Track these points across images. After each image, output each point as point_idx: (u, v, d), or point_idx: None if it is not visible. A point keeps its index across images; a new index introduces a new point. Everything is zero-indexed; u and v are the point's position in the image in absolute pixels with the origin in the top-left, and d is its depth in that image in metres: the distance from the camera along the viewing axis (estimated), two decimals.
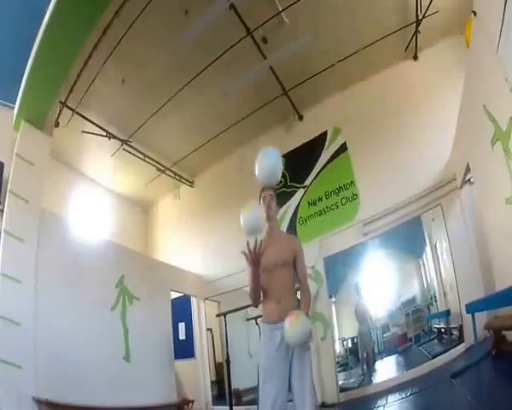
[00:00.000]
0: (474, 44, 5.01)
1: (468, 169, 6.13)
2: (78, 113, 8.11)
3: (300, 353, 3.05)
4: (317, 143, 9.16)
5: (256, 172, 3.36)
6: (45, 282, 5.96)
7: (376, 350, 8.03)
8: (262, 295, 3.28)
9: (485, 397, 4.12)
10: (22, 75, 6.04)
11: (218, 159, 10.77)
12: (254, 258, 2.98)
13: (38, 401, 5.22)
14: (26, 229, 5.94)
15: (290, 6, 6.91)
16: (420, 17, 7.29)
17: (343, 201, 8.52)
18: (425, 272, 8.26)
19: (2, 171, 6.28)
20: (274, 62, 7.97)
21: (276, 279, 3.23)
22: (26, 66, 5.93)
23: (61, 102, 7.48)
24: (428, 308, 7.73)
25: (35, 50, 5.71)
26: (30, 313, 5.61)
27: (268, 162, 3.34)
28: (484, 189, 5.56)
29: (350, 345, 8.29)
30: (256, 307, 3.31)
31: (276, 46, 7.57)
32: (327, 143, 9.04)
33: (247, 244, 2.97)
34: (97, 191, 10.56)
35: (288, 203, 9.17)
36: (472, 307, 5.46)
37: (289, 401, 2.99)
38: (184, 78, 7.96)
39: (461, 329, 6.63)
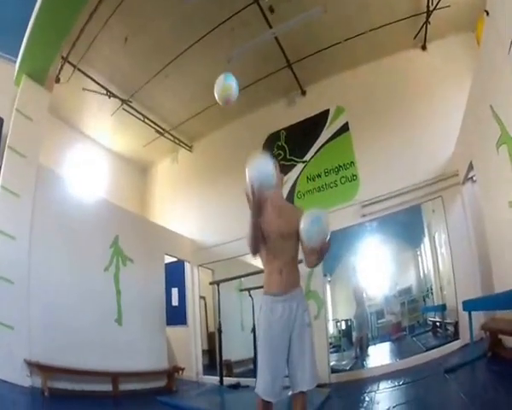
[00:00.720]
0: (484, 43, 4.88)
1: (470, 167, 6.07)
2: (79, 69, 7.90)
3: (301, 327, 2.96)
4: (319, 120, 9.01)
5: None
6: (40, 239, 5.91)
7: (370, 336, 8.18)
8: (264, 264, 3.16)
9: (479, 396, 4.08)
10: (25, 28, 5.90)
11: (218, 126, 10.52)
12: (257, 199, 2.72)
13: (30, 364, 5.21)
14: (23, 184, 5.89)
15: None
16: (431, 8, 7.13)
17: (342, 180, 8.43)
18: (422, 263, 8.34)
19: (2, 127, 6.21)
20: (280, 33, 7.71)
21: (279, 250, 3.08)
22: (29, 19, 5.78)
23: (62, 58, 7.27)
24: (424, 300, 7.82)
25: (38, 3, 5.56)
26: (24, 271, 5.58)
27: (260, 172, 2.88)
28: (487, 189, 5.49)
29: (344, 327, 8.40)
30: (254, 254, 3.09)
31: (282, 17, 7.32)
32: (329, 121, 8.89)
33: (250, 185, 2.67)
34: (95, 150, 10.38)
35: (286, 176, 8.97)
36: (469, 305, 5.46)
37: (287, 377, 2.95)
38: (188, 39, 7.72)
39: (456, 325, 6.66)
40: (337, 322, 8.40)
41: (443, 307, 7.30)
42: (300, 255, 3.14)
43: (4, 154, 5.82)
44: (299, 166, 9.09)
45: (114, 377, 6.37)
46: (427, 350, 6.95)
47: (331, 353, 7.73)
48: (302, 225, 2.79)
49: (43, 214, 6.07)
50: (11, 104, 6.19)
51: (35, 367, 5.25)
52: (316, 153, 8.94)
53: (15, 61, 6.36)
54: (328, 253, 2.86)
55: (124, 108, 9.23)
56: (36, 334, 5.46)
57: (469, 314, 5.44)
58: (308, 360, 2.91)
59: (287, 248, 3.08)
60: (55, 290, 6.00)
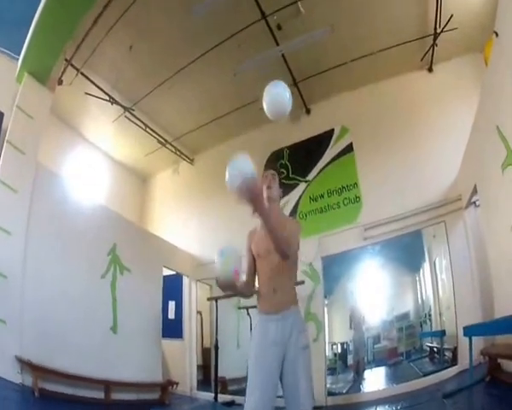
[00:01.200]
0: (492, 64, 4.97)
1: (474, 191, 6.06)
2: (82, 73, 7.91)
3: (296, 350, 2.79)
4: (323, 140, 9.05)
5: (264, 105, 3.05)
6: (36, 237, 5.87)
7: (366, 360, 8.09)
8: (258, 283, 3.06)
9: None
10: (30, 25, 5.94)
11: (221, 140, 10.53)
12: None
13: (21, 361, 5.14)
14: (21, 180, 5.87)
15: None
16: (438, 31, 7.24)
17: (345, 201, 8.44)
18: (421, 289, 8.29)
19: (2, 121, 6.23)
20: (286, 50, 7.79)
21: (273, 266, 2.94)
22: (33, 15, 5.83)
23: (66, 60, 7.28)
24: (421, 326, 7.76)
25: (43, 2, 5.63)
26: (18, 267, 5.53)
27: (277, 93, 3.09)
28: (490, 213, 5.47)
29: (339, 350, 8.32)
30: (248, 297, 3.13)
31: (289, 35, 7.44)
32: (333, 140, 8.95)
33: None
34: (96, 155, 10.34)
35: (288, 196, 8.98)
36: (470, 331, 5.41)
37: (280, 397, 2.79)
38: (194, 52, 7.77)
39: (455, 351, 6.59)
40: (333, 345, 8.31)
41: (442, 333, 7.23)
42: (299, 277, 3.07)
43: (3, 148, 5.82)
44: (302, 186, 9.09)
45: (107, 385, 6.27)
46: (424, 375, 6.84)
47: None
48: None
49: (41, 213, 6.05)
50: (12, 100, 6.22)
51: (26, 366, 5.17)
52: (319, 173, 8.97)
53: (18, 58, 6.42)
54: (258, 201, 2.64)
55: (126, 116, 9.24)
56: (28, 332, 5.39)
57: (470, 340, 5.38)
58: (302, 385, 2.73)
59: (280, 265, 2.91)
60: (49, 290, 5.93)
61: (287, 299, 2.94)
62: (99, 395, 6.16)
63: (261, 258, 3.01)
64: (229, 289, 2.78)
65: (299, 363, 2.77)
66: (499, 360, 5.05)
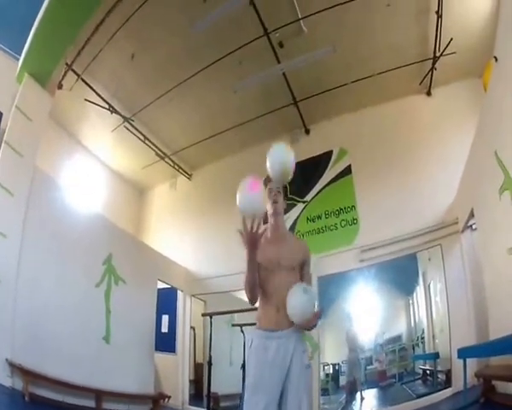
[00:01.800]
0: (492, 89, 5.05)
1: (471, 215, 6.10)
2: (82, 79, 7.95)
3: (300, 369, 2.67)
4: (322, 161, 9.16)
5: (268, 168, 3.04)
6: (31, 242, 5.80)
7: (360, 381, 8.05)
8: (260, 297, 2.88)
9: None
10: (32, 25, 5.96)
11: (220, 157, 10.64)
12: (252, 237, 2.60)
13: (12, 365, 5.06)
14: (18, 183, 5.83)
15: (310, 16, 6.91)
16: (437, 55, 7.38)
17: (342, 223, 8.51)
18: (413, 312, 8.30)
19: (0, 120, 6.22)
20: (288, 69, 7.90)
21: (277, 282, 2.82)
22: (36, 16, 5.85)
23: (66, 64, 7.32)
24: (413, 348, 7.75)
25: (46, 3, 5.65)
26: (12, 270, 5.47)
27: (281, 159, 3.07)
28: (487, 236, 5.50)
29: (331, 371, 8.29)
30: (253, 304, 2.88)
31: (291, 53, 7.55)
32: (331, 162, 9.06)
33: (243, 221, 2.59)
34: (93, 163, 10.32)
35: (286, 215, 9.01)
36: (464, 353, 5.38)
37: None
38: (194, 66, 7.84)
39: (448, 373, 6.59)
40: (325, 365, 8.27)
41: (435, 356, 7.22)
42: None
43: (1, 149, 5.79)
44: (300, 207, 9.14)
45: (98, 394, 6.19)
46: (417, 397, 6.84)
47: None
48: (291, 299, 2.66)
49: (37, 217, 6.00)
50: (11, 100, 6.20)
51: (17, 370, 5.10)
52: (317, 194, 9.05)
53: (19, 58, 6.42)
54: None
55: (125, 126, 9.25)
56: (20, 337, 5.33)
57: (464, 361, 5.35)
58: (305, 405, 2.61)
59: (285, 281, 2.78)
60: (43, 296, 5.88)
61: (289, 318, 2.72)
62: (90, 403, 6.08)
63: (268, 271, 2.88)
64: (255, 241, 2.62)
65: (302, 383, 2.67)
66: (493, 382, 5.04)
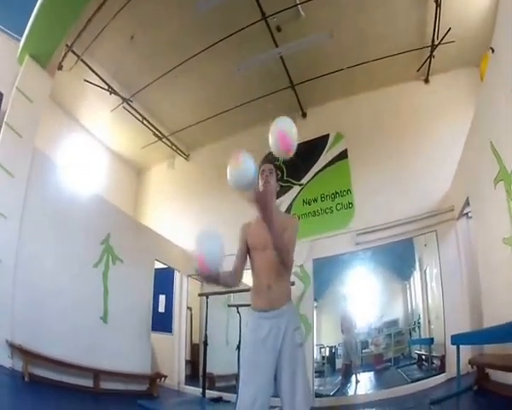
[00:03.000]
0: (488, 80, 5.03)
1: (467, 203, 6.13)
2: (82, 60, 7.87)
3: (291, 347, 2.76)
4: (318, 145, 9.12)
5: (270, 140, 3.13)
6: (31, 222, 5.84)
7: (356, 364, 8.13)
8: (252, 279, 3.00)
9: None
10: (33, 7, 5.92)
11: (217, 138, 10.57)
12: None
13: (12, 346, 5.11)
14: (18, 164, 5.84)
15: (308, 0, 6.84)
16: (436, 43, 7.36)
17: (338, 207, 8.51)
18: (411, 297, 8.36)
19: (1, 101, 6.22)
20: (285, 53, 7.84)
21: (266, 262, 2.91)
22: None
23: (67, 46, 7.24)
24: (410, 333, 7.82)
25: None
26: (12, 251, 5.50)
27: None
28: (482, 225, 5.53)
29: (327, 353, 8.38)
30: (231, 287, 2.97)
31: (288, 37, 7.49)
32: (328, 146, 9.03)
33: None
34: (92, 144, 10.30)
35: (282, 197, 9.04)
36: (458, 339, 5.46)
37: (275, 397, 2.74)
38: (193, 48, 7.76)
39: (443, 359, 6.65)
40: (321, 348, 8.34)
41: (430, 341, 7.29)
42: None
43: (1, 130, 5.79)
44: (296, 189, 9.14)
45: (96, 373, 6.28)
46: (412, 382, 6.92)
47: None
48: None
49: (37, 198, 6.03)
50: (12, 82, 6.21)
51: (17, 350, 5.15)
52: (313, 177, 9.04)
53: (20, 39, 6.40)
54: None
55: (124, 107, 9.22)
56: (19, 316, 5.35)
57: (458, 348, 5.43)
58: (300, 383, 2.71)
59: (274, 262, 2.86)
60: (41, 276, 5.93)
61: (281, 295, 2.90)
62: (88, 382, 6.16)
63: (257, 251, 2.98)
64: (212, 280, 2.64)
65: (294, 360, 2.75)
66: (487, 370, 5.08)
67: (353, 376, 7.88)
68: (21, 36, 6.37)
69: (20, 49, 6.36)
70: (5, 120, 5.84)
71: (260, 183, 3.15)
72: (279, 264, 2.86)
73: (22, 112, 6.13)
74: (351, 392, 7.64)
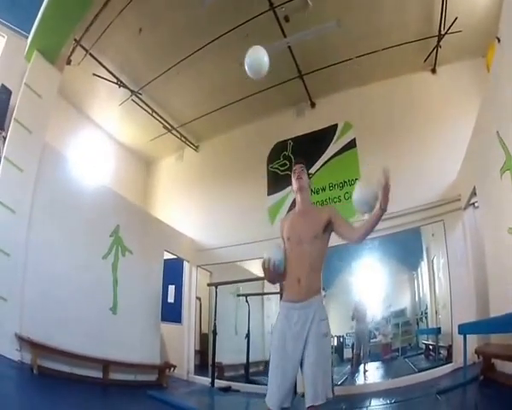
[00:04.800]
0: (494, 70, 5.01)
1: (474, 193, 6.11)
2: (91, 54, 7.92)
3: (317, 336, 2.87)
4: (327, 134, 9.10)
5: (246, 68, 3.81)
6: (40, 216, 5.89)
7: (362, 354, 8.16)
8: (287, 271, 3.12)
9: None
10: (40, 4, 5.95)
11: (226, 129, 10.60)
12: (271, 276, 3.11)
13: (20, 338, 5.17)
14: (27, 159, 5.89)
15: None
16: (442, 32, 7.28)
17: (346, 196, 8.44)
18: (418, 286, 8.36)
19: (10, 98, 6.32)
20: (293, 43, 7.81)
21: (299, 255, 3.07)
22: None
23: (75, 40, 7.30)
24: (417, 323, 7.84)
25: None
26: (21, 246, 5.55)
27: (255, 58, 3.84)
28: (489, 215, 5.53)
29: (335, 343, 8.41)
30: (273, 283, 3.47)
31: (296, 27, 7.44)
32: (336, 135, 8.98)
33: (263, 263, 3.05)
34: (101, 137, 10.40)
35: (290, 188, 9.02)
36: (465, 329, 5.50)
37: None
38: (202, 40, 7.77)
39: (450, 349, 6.67)
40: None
41: (438, 331, 7.30)
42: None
43: (10, 126, 5.85)
44: None
45: (105, 364, 6.34)
46: (419, 372, 6.95)
47: None
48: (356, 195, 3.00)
49: (46, 192, 6.08)
50: (20, 78, 6.24)
51: (26, 343, 5.22)
52: (322, 166, 8.99)
53: (27, 36, 6.44)
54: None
55: (133, 100, 9.26)
56: (28, 310, 5.43)
57: (464, 337, 5.45)
58: (320, 373, 2.82)
59: (306, 256, 3.05)
60: (51, 269, 5.96)
61: (310, 289, 3.01)
62: (97, 374, 6.23)
63: (292, 243, 3.14)
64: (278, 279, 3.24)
65: (319, 348, 2.86)
66: (493, 361, 5.10)
67: (361, 365, 7.92)
68: (28, 33, 6.40)
69: (27, 46, 6.40)
70: (14, 116, 5.88)
71: (293, 179, 3.38)
72: (309, 258, 3.06)
73: (31, 108, 6.15)
74: (358, 382, 7.67)
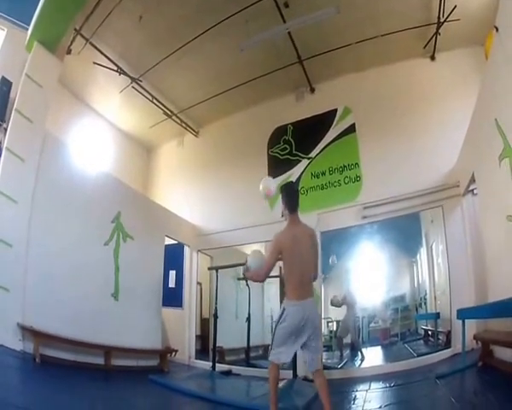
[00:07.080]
0: (492, 58, 4.98)
1: (472, 179, 6.14)
2: (91, 43, 7.89)
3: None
4: (326, 119, 9.12)
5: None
6: (41, 206, 5.90)
7: (360, 339, 8.23)
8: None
9: (469, 401, 4.14)
10: None
11: (226, 114, 10.64)
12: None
13: (23, 328, 5.20)
14: (28, 149, 5.89)
15: None
16: (441, 20, 7.28)
17: (346, 180, 8.54)
18: (417, 272, 8.41)
19: (10, 90, 6.33)
20: (293, 28, 7.74)
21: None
22: None
23: (75, 30, 7.26)
24: (416, 309, 7.90)
25: None
26: (23, 236, 5.57)
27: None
28: (486, 202, 5.59)
29: (335, 328, 8.48)
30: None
31: (296, 13, 7.37)
32: (336, 120, 9.01)
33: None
34: (102, 125, 10.43)
35: (291, 171, 9.19)
36: (463, 314, 5.57)
37: None
38: (202, 25, 7.75)
39: (448, 335, 6.72)
40: (329, 322, 8.46)
41: (436, 316, 7.36)
42: None
43: (11, 117, 5.85)
44: (304, 162, 9.19)
45: (107, 350, 6.40)
46: (418, 356, 7.02)
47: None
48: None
49: (47, 181, 6.09)
50: (20, 70, 6.22)
51: (28, 332, 5.25)
52: (321, 150, 9.06)
53: (27, 28, 6.41)
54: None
55: (133, 87, 9.28)
56: (30, 299, 5.45)
57: (463, 322, 5.52)
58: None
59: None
60: (53, 258, 5.99)
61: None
62: (99, 360, 6.30)
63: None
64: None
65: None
66: (491, 347, 5.16)
67: (359, 350, 8.00)
68: (27, 26, 6.38)
69: (28, 37, 6.37)
70: (15, 106, 5.88)
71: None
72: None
73: (32, 98, 6.14)
74: (358, 365, 7.74)
